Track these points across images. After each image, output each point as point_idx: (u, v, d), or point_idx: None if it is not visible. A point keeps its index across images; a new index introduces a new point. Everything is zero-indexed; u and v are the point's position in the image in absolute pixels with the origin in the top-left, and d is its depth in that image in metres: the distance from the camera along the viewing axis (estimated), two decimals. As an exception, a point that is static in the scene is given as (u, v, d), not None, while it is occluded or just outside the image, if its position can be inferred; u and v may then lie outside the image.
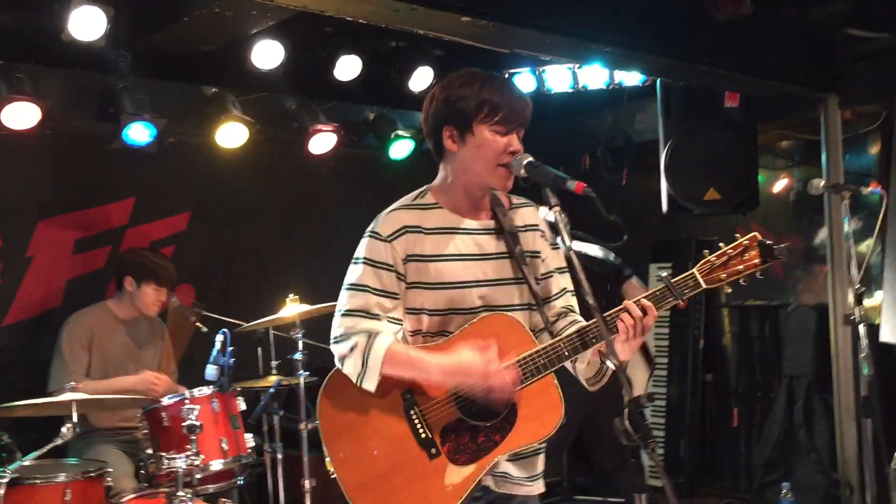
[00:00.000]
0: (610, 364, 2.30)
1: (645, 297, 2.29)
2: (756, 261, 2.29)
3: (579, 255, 2.23)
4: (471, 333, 2.31)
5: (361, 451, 2.31)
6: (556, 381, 2.32)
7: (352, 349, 2.29)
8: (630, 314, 2.25)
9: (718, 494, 5.70)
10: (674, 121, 5.12)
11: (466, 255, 2.37)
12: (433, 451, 2.28)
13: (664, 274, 2.36)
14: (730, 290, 2.34)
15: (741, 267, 2.29)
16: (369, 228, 2.38)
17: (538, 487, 2.44)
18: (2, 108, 4.02)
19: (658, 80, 5.12)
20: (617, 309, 2.29)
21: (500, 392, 2.25)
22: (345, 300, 2.36)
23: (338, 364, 2.35)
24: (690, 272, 2.30)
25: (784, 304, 5.67)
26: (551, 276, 2.49)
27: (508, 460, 2.34)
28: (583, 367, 2.39)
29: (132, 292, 4.26)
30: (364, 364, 2.27)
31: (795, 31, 4.55)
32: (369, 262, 2.33)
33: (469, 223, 2.40)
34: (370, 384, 2.28)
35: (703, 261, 2.31)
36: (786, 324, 5.58)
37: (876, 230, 4.55)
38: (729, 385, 5.85)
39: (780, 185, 5.99)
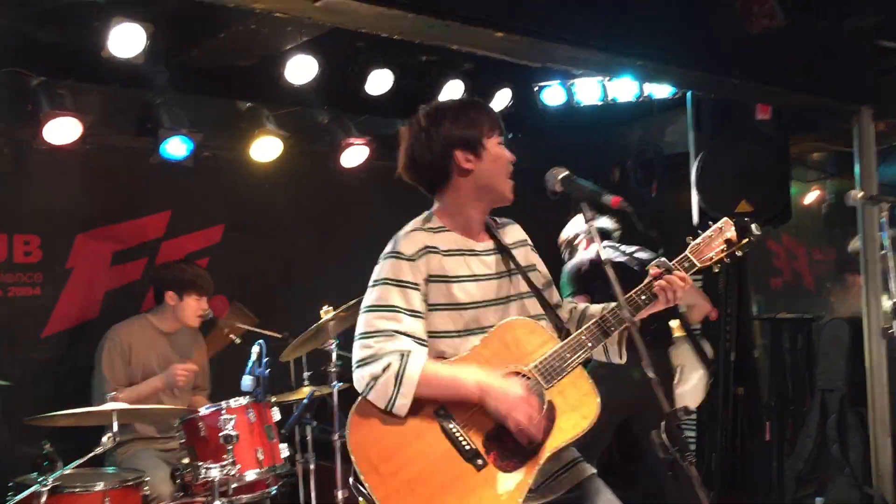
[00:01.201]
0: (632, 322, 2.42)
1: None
2: (734, 240, 2.55)
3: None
4: (492, 343, 2.34)
5: (405, 478, 2.19)
6: (585, 372, 2.36)
7: (384, 369, 2.22)
8: (661, 277, 2.42)
9: (750, 509, 5.64)
10: (704, 133, 5.11)
11: (480, 275, 2.43)
12: (479, 462, 2.23)
13: (660, 260, 2.57)
14: (717, 270, 2.57)
15: (723, 246, 2.55)
16: (388, 251, 2.37)
17: (585, 469, 2.43)
18: (44, 123, 4.12)
19: (688, 93, 5.12)
20: (646, 282, 2.47)
21: (521, 429, 2.24)
22: (370, 322, 2.29)
23: (363, 388, 2.26)
24: (684, 254, 2.55)
25: (817, 317, 5.63)
26: (551, 286, 2.61)
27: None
28: (614, 348, 2.50)
29: (174, 306, 4.34)
30: (397, 386, 2.20)
31: (828, 44, 4.53)
32: (394, 282, 2.30)
33: (473, 244, 2.47)
34: (402, 408, 2.21)
35: (690, 245, 2.58)
36: (818, 337, 5.53)
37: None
38: (761, 399, 5.80)
39: (811, 197, 5.96)
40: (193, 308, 4.34)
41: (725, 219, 2.59)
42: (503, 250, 2.49)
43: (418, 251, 2.34)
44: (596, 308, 2.55)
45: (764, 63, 4.17)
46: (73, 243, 4.62)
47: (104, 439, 3.31)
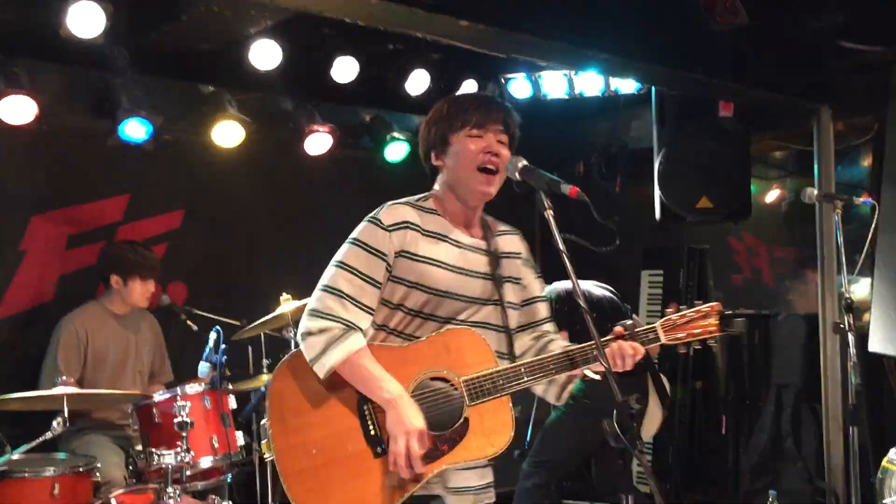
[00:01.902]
0: (590, 374, 2.40)
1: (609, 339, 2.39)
2: (713, 329, 2.42)
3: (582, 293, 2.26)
4: (435, 343, 2.35)
5: (306, 439, 2.26)
6: (510, 404, 2.36)
7: (321, 330, 2.26)
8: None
9: (706, 501, 5.71)
10: (668, 129, 5.16)
11: (454, 266, 2.41)
12: (379, 449, 2.26)
13: (629, 322, 2.44)
14: (683, 351, 2.45)
15: (699, 331, 2.42)
16: (371, 214, 2.40)
17: (491, 496, 2.48)
18: (-2, 101, 4.03)
19: (653, 88, 5.16)
20: (607, 339, 2.37)
21: (396, 458, 2.22)
22: (329, 278, 2.34)
23: (299, 338, 2.31)
24: (652, 326, 2.42)
25: (774, 314, 5.70)
26: (535, 303, 2.56)
27: (467, 469, 2.37)
28: (554, 389, 2.47)
29: (119, 289, 4.27)
30: (326, 351, 2.24)
31: (790, 43, 4.59)
32: (363, 245, 2.34)
33: (461, 236, 2.45)
34: (319, 371, 2.26)
35: (665, 318, 2.43)
36: (776, 333, 5.61)
37: (867, 242, 4.58)
38: (718, 393, 5.87)
39: (772, 196, 6.03)
40: (139, 291, 4.28)
41: (716, 304, 2.46)
42: (491, 254, 2.47)
43: (396, 223, 2.36)
44: (558, 345, 2.51)
45: (726, 60, 4.22)
46: (28, 226, 4.53)
47: (54, 424, 3.26)
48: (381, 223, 2.35)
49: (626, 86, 5.47)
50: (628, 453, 2.20)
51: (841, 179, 5.09)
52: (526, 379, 2.34)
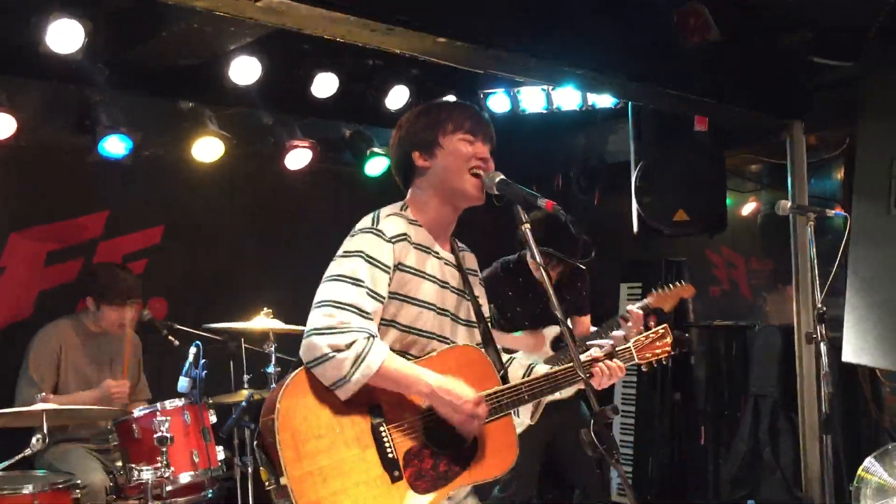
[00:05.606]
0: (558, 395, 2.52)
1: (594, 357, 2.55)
2: (668, 347, 2.76)
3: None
4: (442, 359, 2.32)
5: (321, 465, 2.11)
6: (513, 423, 2.40)
7: (348, 346, 2.10)
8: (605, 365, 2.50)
9: (686, 512, 5.76)
10: (645, 143, 5.22)
11: (439, 280, 2.38)
12: (396, 473, 2.18)
13: (611, 341, 2.78)
14: (647, 370, 2.75)
15: (659, 350, 2.74)
16: (367, 225, 2.28)
17: None
18: (-23, 118, 4.04)
19: (630, 103, 5.22)
20: (591, 359, 2.53)
21: (468, 429, 2.26)
22: (336, 291, 2.16)
23: (314, 357, 2.11)
24: (628, 346, 2.71)
25: (751, 325, 5.77)
26: (488, 323, 2.58)
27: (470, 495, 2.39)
28: (529, 407, 2.49)
29: (93, 311, 4.26)
30: (354, 368, 2.10)
31: (762, 59, 4.67)
32: (368, 258, 2.21)
33: (440, 249, 2.42)
34: (348, 391, 2.12)
35: (635, 339, 2.75)
36: (753, 344, 5.67)
37: (839, 253, 4.65)
38: (697, 404, 5.92)
39: (748, 208, 6.11)
40: (111, 318, 4.22)
41: (666, 326, 2.78)
42: (461, 270, 2.46)
43: (397, 235, 2.27)
44: (522, 362, 2.56)
45: (699, 76, 4.28)
46: (6, 242, 4.52)
47: (33, 441, 3.25)
48: (384, 235, 2.25)
49: (604, 100, 5.54)
50: (605, 463, 2.23)
51: (814, 193, 5.17)
52: (527, 397, 2.37)
